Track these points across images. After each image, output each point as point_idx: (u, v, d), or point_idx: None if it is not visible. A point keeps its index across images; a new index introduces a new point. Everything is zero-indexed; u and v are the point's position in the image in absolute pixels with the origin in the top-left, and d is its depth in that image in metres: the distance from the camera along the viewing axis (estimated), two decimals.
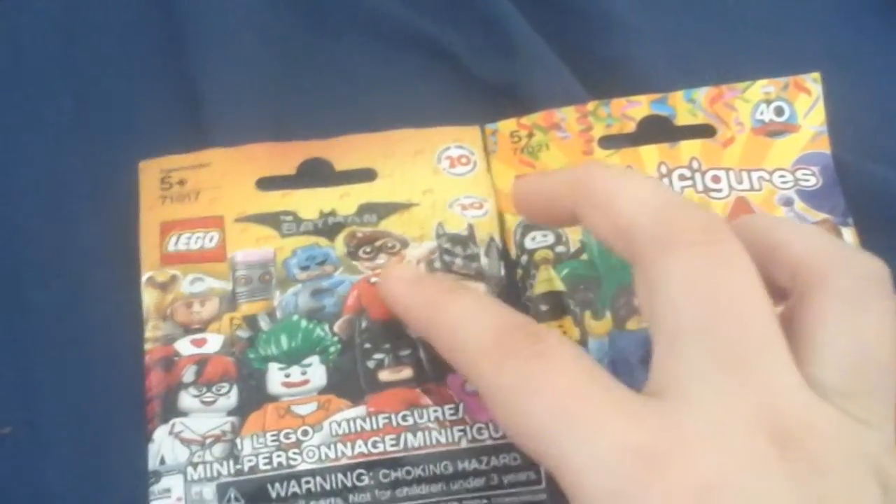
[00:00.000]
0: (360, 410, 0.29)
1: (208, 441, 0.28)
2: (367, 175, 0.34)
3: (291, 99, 0.36)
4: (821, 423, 0.19)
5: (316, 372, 0.30)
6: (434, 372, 0.29)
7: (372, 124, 0.34)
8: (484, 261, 0.32)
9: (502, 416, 0.22)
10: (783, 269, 0.23)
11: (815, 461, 0.18)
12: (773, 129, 0.34)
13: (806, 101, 0.34)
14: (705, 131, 0.34)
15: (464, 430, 0.28)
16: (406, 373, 0.30)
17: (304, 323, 0.31)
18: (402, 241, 0.32)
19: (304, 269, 0.32)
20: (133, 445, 0.28)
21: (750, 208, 0.33)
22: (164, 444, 0.28)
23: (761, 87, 0.34)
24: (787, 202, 0.33)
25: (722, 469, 0.18)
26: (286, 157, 0.34)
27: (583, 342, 0.31)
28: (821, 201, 0.33)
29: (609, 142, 0.34)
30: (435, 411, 0.29)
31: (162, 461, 0.28)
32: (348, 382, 0.29)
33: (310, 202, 0.33)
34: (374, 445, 0.28)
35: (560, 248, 0.33)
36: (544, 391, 0.20)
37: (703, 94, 0.34)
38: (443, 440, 0.28)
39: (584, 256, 0.32)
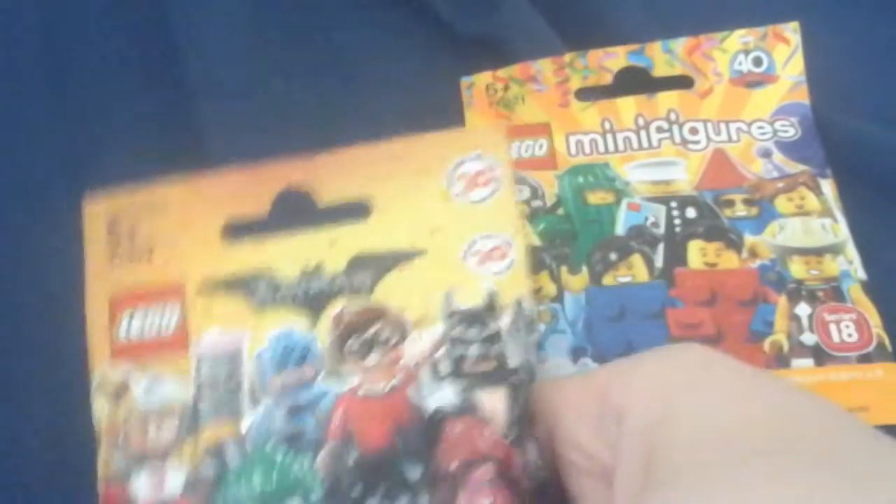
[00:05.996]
0: None
1: None
2: (357, 210, 0.27)
3: (268, 57, 0.36)
4: None
5: None
6: None
7: (351, 81, 0.34)
8: (507, 341, 0.25)
9: None
10: None
11: None
12: (752, 80, 0.33)
13: (784, 51, 0.33)
14: (683, 82, 0.34)
15: None
16: None
17: (279, 456, 0.25)
18: (399, 327, 0.26)
19: (280, 368, 0.26)
20: None
21: (728, 160, 0.32)
22: None
23: (739, 37, 0.34)
24: (766, 153, 0.33)
25: None
26: (258, 187, 0.27)
27: (559, 297, 0.31)
28: (799, 152, 0.33)
29: (586, 94, 0.34)
30: None
31: None
32: None
33: (289, 254, 0.26)
34: None
35: (536, 203, 0.32)
36: None
37: (680, 44, 0.34)
38: None
39: (561, 211, 0.32)
